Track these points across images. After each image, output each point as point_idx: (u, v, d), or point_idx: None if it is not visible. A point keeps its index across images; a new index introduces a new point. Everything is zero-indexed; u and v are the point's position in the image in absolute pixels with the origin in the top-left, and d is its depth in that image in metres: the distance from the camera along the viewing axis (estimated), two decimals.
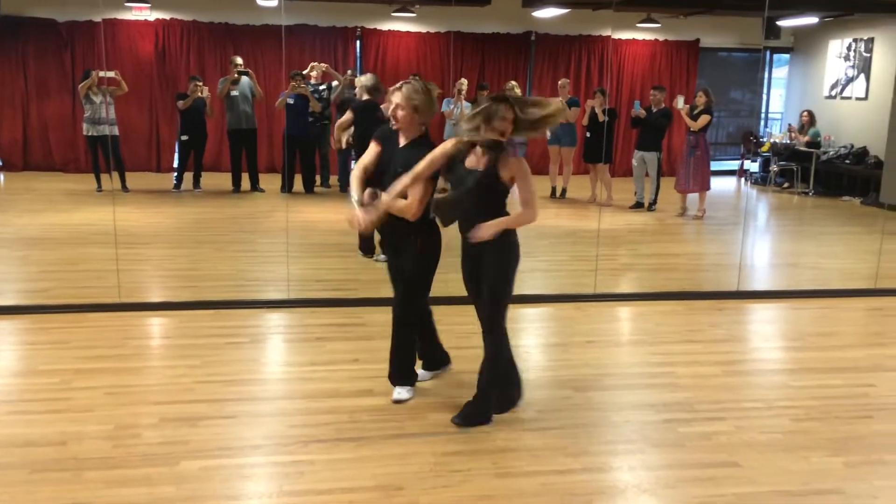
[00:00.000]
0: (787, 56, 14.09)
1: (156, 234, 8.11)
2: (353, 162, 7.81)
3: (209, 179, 10.87)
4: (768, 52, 13.84)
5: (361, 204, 3.82)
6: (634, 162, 10.36)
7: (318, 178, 11.01)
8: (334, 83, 10.78)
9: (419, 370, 4.31)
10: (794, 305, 6.24)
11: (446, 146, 3.73)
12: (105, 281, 6.00)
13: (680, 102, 9.83)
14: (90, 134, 10.01)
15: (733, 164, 13.86)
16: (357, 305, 5.76)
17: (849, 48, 12.43)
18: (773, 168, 12.58)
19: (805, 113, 12.54)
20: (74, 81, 11.22)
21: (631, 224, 9.34)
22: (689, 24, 13.10)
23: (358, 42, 12.69)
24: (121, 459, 3.46)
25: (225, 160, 11.43)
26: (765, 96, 14.43)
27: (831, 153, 12.16)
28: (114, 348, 4.85)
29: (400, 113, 3.88)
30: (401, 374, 4.15)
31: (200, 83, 10.41)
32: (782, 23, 12.33)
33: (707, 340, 5.33)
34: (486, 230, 3.64)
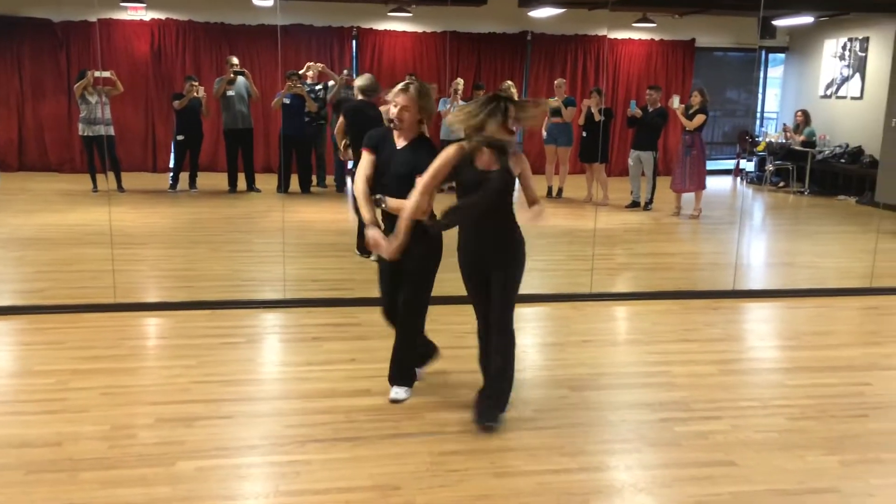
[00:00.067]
0: (782, 55, 14.11)
1: (152, 234, 8.10)
2: (349, 163, 7.79)
3: (205, 179, 10.86)
4: (764, 52, 13.86)
5: (379, 226, 3.85)
6: (630, 161, 10.37)
7: (314, 177, 11.00)
8: (330, 83, 10.77)
9: (399, 388, 4.19)
10: (789, 304, 6.25)
11: (449, 154, 3.68)
12: (101, 281, 5.98)
13: (675, 102, 9.84)
14: (86, 134, 9.99)
15: (729, 164, 13.88)
16: (353, 305, 5.76)
17: (844, 48, 12.45)
18: (769, 167, 12.60)
19: (799, 113, 12.57)
20: (70, 81, 11.21)
21: (627, 223, 9.34)
22: (685, 23, 13.11)
23: (354, 42, 12.68)
24: (117, 460, 3.46)
25: (221, 160, 11.41)
26: (760, 96, 14.46)
27: (826, 152, 12.18)
28: (110, 349, 4.85)
29: (407, 115, 3.87)
30: (401, 374, 4.15)
31: (196, 83, 10.39)
32: (778, 22, 12.35)
33: (703, 339, 5.33)
34: (536, 215, 3.70)
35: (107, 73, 10.02)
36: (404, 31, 12.71)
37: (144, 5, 11.67)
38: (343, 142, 7.22)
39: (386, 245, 3.79)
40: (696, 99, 9.66)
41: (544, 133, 10.85)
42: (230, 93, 10.45)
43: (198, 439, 3.66)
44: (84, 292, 5.90)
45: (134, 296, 5.91)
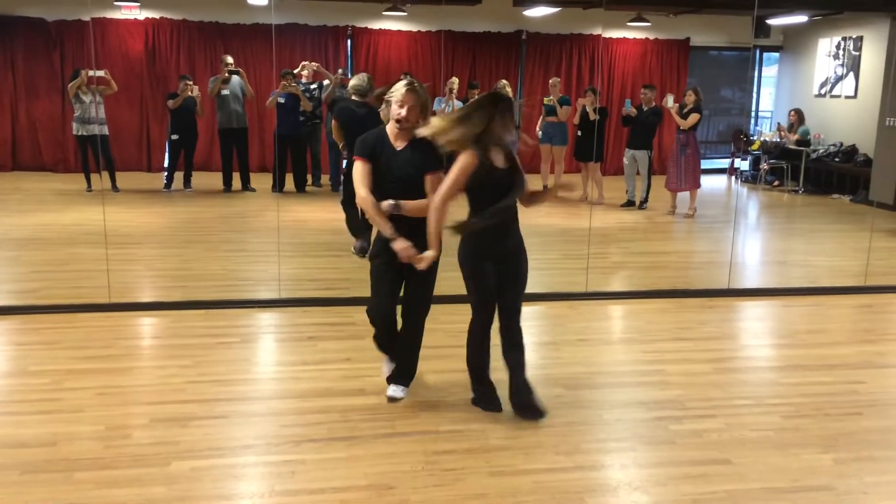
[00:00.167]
0: (776, 55, 14.14)
1: (146, 233, 8.08)
2: (344, 162, 7.78)
3: (200, 179, 10.84)
4: (758, 51, 13.89)
5: (400, 235, 3.78)
6: (625, 160, 10.38)
7: (309, 177, 11.00)
8: (325, 82, 10.77)
9: (398, 386, 4.19)
10: (784, 303, 6.27)
11: (467, 163, 3.68)
12: (95, 281, 5.97)
13: (669, 101, 9.86)
14: (80, 133, 9.97)
15: (724, 163, 13.91)
16: (348, 305, 5.75)
17: (838, 47, 12.48)
18: (764, 166, 12.63)
19: (792, 112, 12.59)
20: (64, 81, 11.17)
21: (622, 222, 9.36)
22: (679, 22, 13.13)
23: (349, 41, 12.67)
24: (112, 460, 3.45)
25: (216, 159, 11.41)
26: (755, 95, 14.48)
27: (821, 151, 12.21)
28: (104, 349, 4.84)
29: (413, 114, 3.83)
30: (401, 373, 4.15)
31: (191, 82, 10.38)
32: (772, 21, 12.38)
33: (698, 338, 5.35)
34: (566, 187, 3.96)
35: (101, 73, 10.00)
36: (399, 31, 12.70)
37: (138, 4, 11.65)
38: (342, 143, 7.24)
39: (423, 258, 3.77)
40: (690, 98, 9.68)
41: (539, 132, 10.86)
42: (225, 92, 10.43)
43: (193, 439, 3.66)
44: (79, 292, 5.89)
45: (129, 296, 5.90)
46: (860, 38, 12.00)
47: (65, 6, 11.42)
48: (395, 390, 4.12)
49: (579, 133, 10.49)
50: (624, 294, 6.43)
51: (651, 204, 10.17)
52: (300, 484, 3.30)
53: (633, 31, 13.11)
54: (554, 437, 3.76)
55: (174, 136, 10.45)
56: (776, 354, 5.15)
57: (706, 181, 10.38)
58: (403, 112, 3.81)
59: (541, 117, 10.88)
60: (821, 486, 3.39)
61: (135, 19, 11.95)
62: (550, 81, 10.99)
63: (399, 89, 3.84)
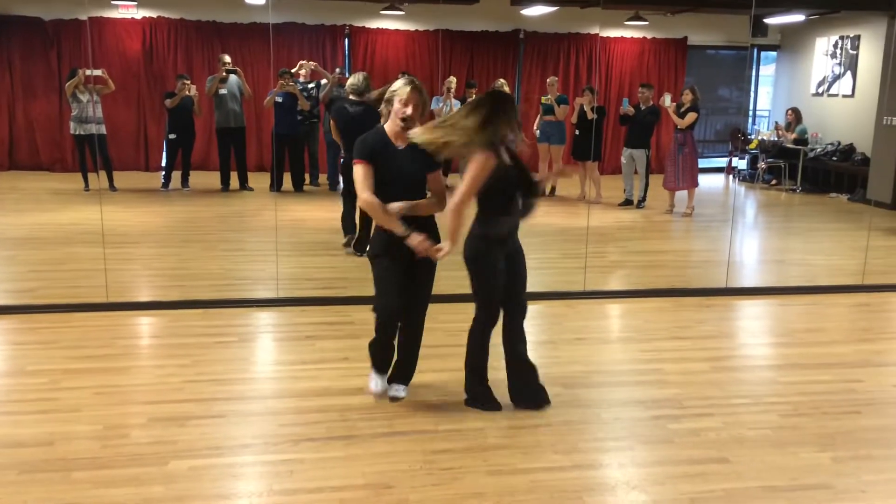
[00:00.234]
0: (774, 54, 14.15)
1: (144, 233, 8.07)
2: (342, 160, 7.78)
3: (197, 178, 10.83)
4: (755, 50, 13.89)
5: (413, 231, 3.76)
6: (623, 159, 10.39)
7: (307, 176, 10.99)
8: (323, 81, 10.76)
9: (399, 385, 4.19)
10: (781, 302, 6.28)
11: (485, 164, 3.67)
12: (93, 280, 5.97)
13: (667, 100, 9.86)
14: (77, 133, 9.96)
15: (721, 162, 13.91)
16: (346, 304, 5.75)
17: (835, 46, 12.49)
18: (761, 165, 12.65)
19: (790, 111, 12.61)
20: (61, 80, 11.16)
21: (620, 221, 9.36)
22: (677, 21, 13.14)
23: (346, 40, 12.66)
24: (109, 460, 3.45)
25: (213, 159, 11.39)
26: (752, 94, 14.49)
27: (818, 150, 12.22)
28: (102, 348, 4.83)
29: (417, 113, 3.80)
30: (401, 372, 4.14)
31: (188, 81, 10.37)
32: (769, 20, 12.38)
33: (695, 337, 5.35)
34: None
35: (98, 72, 9.99)
36: (397, 30, 12.69)
37: (136, 3, 11.63)
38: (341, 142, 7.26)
39: (440, 248, 3.76)
40: (687, 97, 9.68)
41: (537, 132, 10.86)
42: (222, 91, 10.42)
43: (191, 438, 3.66)
44: (76, 292, 5.88)
45: (126, 295, 5.89)
46: (858, 37, 12.01)
47: (62, 5, 11.40)
48: (395, 389, 4.12)
49: (577, 132, 10.49)
50: (622, 293, 6.43)
51: (649, 203, 10.18)
52: (298, 483, 3.30)
53: (630, 30, 13.11)
54: (552, 436, 3.76)
55: (172, 136, 10.44)
56: (774, 353, 5.15)
57: (704, 180, 10.39)
58: (409, 110, 3.77)
59: (538, 116, 10.88)
60: (819, 484, 3.39)
61: (132, 18, 11.94)
62: (548, 80, 10.99)
63: (403, 88, 3.79)
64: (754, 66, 14.24)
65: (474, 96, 10.95)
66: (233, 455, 3.53)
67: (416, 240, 3.75)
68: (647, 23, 12.35)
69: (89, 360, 4.60)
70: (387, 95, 3.86)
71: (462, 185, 3.72)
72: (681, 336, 5.35)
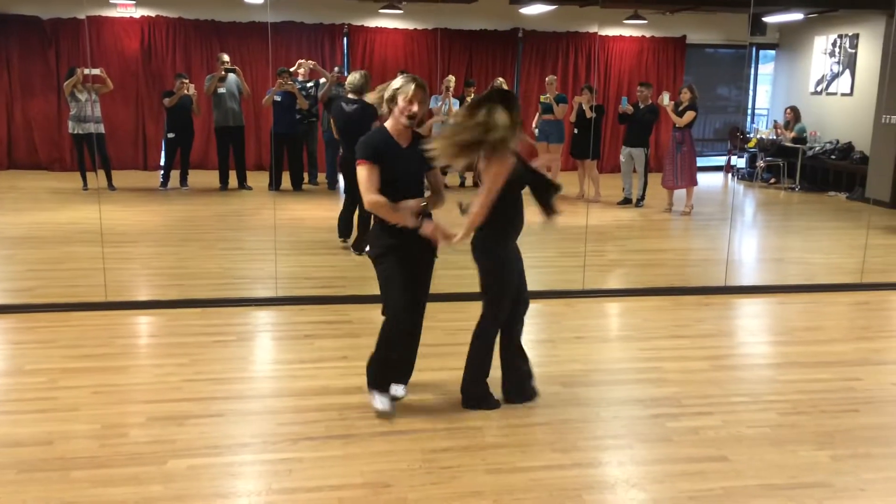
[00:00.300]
0: (772, 52, 14.15)
1: (143, 232, 8.07)
2: (340, 158, 7.78)
3: (196, 177, 10.83)
4: (754, 49, 13.89)
5: (424, 219, 3.77)
6: (622, 158, 10.39)
7: (305, 175, 10.99)
8: (322, 80, 10.75)
9: (398, 385, 4.15)
10: (780, 300, 6.28)
11: (508, 164, 3.71)
12: (91, 280, 5.96)
13: (665, 99, 9.86)
14: (76, 132, 9.95)
15: (720, 160, 13.92)
16: (345, 303, 5.75)
17: (834, 44, 12.49)
18: (760, 164, 12.65)
19: (788, 110, 12.61)
20: (59, 79, 11.16)
21: (619, 220, 9.36)
22: (676, 20, 13.14)
23: (345, 39, 12.66)
24: (108, 459, 3.44)
25: (212, 158, 11.39)
26: (751, 92, 14.50)
27: (817, 149, 12.23)
28: (100, 347, 4.83)
29: (422, 111, 3.80)
30: (407, 372, 4.14)
31: (187, 81, 10.35)
32: (768, 19, 12.38)
33: (694, 335, 5.35)
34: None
35: (96, 71, 9.98)
36: (395, 28, 12.69)
37: (134, 2, 11.64)
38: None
39: (456, 234, 3.78)
40: (685, 96, 9.68)
41: (536, 130, 10.85)
42: (221, 90, 10.42)
43: (189, 438, 3.65)
44: (74, 291, 5.88)
45: (125, 294, 5.89)
46: (856, 36, 12.01)
47: (60, 4, 11.40)
48: (395, 389, 4.10)
49: (576, 131, 10.49)
50: (621, 291, 6.43)
51: (648, 201, 10.18)
52: (297, 482, 3.30)
53: (629, 29, 13.11)
54: (551, 435, 3.76)
55: (170, 135, 10.43)
56: (773, 351, 5.15)
57: (703, 179, 10.40)
58: (415, 108, 3.75)
59: (537, 115, 10.87)
60: (817, 482, 3.39)
61: (130, 17, 11.93)
62: (547, 79, 10.99)
63: (408, 85, 3.74)
64: (753, 65, 14.25)
65: (473, 95, 10.97)
66: (231, 454, 3.53)
67: (429, 227, 3.75)
68: (645, 21, 12.35)
69: (88, 360, 4.60)
70: (388, 94, 3.79)
71: (488, 183, 3.72)
72: (680, 334, 5.35)
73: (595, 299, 6.12)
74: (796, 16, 11.98)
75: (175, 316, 5.44)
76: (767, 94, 14.52)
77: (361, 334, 5.01)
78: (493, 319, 3.93)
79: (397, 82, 3.81)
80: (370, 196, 3.72)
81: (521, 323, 4.09)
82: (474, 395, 4.02)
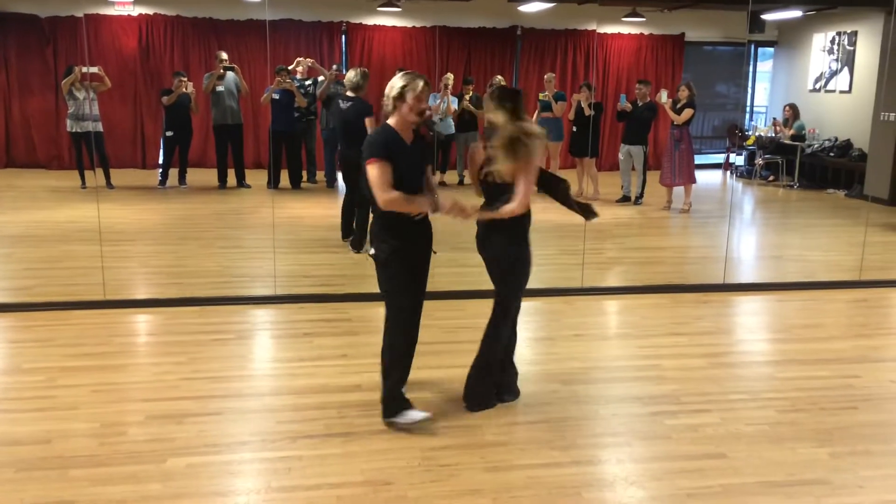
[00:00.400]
0: (771, 50, 14.15)
1: (141, 230, 8.06)
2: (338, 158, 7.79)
3: (195, 175, 10.81)
4: (753, 46, 13.89)
5: (438, 205, 3.81)
6: (621, 156, 10.38)
7: (304, 173, 10.98)
8: (320, 78, 10.74)
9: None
10: (779, 297, 6.28)
11: (536, 161, 3.78)
12: (90, 278, 5.96)
13: (663, 97, 9.86)
14: (74, 130, 9.94)
15: (719, 158, 13.91)
16: (344, 301, 5.75)
17: (832, 42, 12.49)
18: (759, 161, 12.64)
19: (787, 107, 12.61)
20: (57, 77, 11.15)
21: (617, 218, 9.36)
22: (674, 18, 13.13)
23: (343, 37, 12.64)
24: (107, 457, 3.44)
25: (210, 156, 11.37)
26: (749, 90, 14.49)
27: (816, 146, 12.23)
28: (99, 346, 4.83)
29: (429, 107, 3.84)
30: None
31: (185, 79, 10.34)
32: (766, 16, 12.38)
33: (693, 333, 5.35)
34: None
35: (94, 69, 9.97)
36: (394, 26, 12.68)
37: (132, 1, 11.60)
38: None
39: (470, 214, 3.82)
40: (683, 93, 9.68)
41: None
42: (219, 88, 10.41)
43: (188, 436, 3.65)
44: (73, 289, 5.87)
45: (123, 293, 5.89)
46: (855, 33, 12.01)
47: (58, 2, 11.38)
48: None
49: (574, 129, 10.48)
50: (619, 289, 6.43)
51: (646, 199, 10.18)
52: (296, 480, 3.30)
53: (627, 27, 13.10)
54: (549, 433, 3.76)
55: (169, 133, 10.42)
56: (771, 349, 5.15)
57: (701, 176, 10.39)
58: (425, 105, 3.79)
59: (535, 113, 10.86)
60: (816, 479, 3.39)
61: (128, 15, 11.92)
62: (545, 77, 10.98)
63: (416, 82, 3.68)
64: (751, 63, 14.25)
65: (471, 93, 10.97)
66: (230, 452, 3.53)
67: (447, 205, 3.79)
68: (644, 19, 12.35)
69: (86, 358, 4.60)
70: (396, 92, 3.69)
71: (525, 181, 3.75)
72: (678, 332, 5.35)
73: (594, 297, 6.13)
74: (795, 13, 11.98)
75: (174, 314, 5.44)
76: (766, 92, 14.52)
77: (361, 332, 5.01)
78: (504, 318, 3.93)
79: (403, 80, 3.73)
80: (385, 195, 3.63)
81: (512, 332, 4.08)
82: (479, 394, 4.00)
